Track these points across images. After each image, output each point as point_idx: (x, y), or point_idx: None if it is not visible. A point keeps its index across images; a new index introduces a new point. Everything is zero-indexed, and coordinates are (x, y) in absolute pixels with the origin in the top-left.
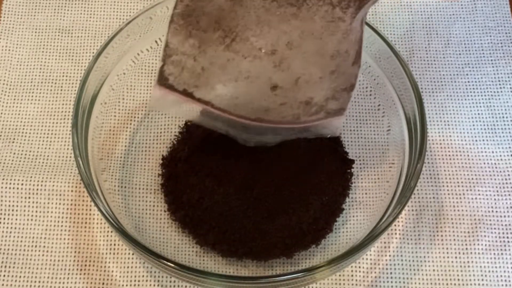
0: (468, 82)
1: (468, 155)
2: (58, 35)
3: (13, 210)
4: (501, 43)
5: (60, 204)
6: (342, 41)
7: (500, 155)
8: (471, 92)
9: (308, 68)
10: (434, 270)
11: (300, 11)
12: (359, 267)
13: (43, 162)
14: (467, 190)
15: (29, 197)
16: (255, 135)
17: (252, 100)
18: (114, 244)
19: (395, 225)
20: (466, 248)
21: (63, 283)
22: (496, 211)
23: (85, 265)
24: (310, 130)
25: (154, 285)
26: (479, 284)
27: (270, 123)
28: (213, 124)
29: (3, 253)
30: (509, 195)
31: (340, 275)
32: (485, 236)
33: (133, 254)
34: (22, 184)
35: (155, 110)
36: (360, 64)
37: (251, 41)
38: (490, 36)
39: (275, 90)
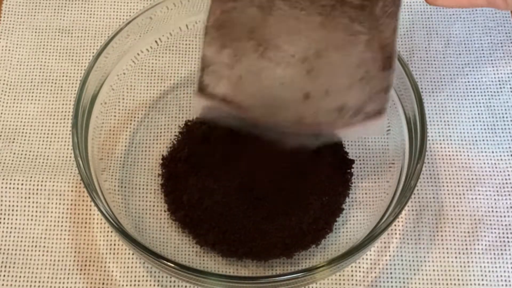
0: (468, 82)
1: (468, 155)
2: (58, 35)
3: (13, 210)
4: (501, 43)
5: (60, 204)
6: (365, 50)
7: (500, 155)
8: (471, 92)
9: (336, 77)
10: (434, 270)
11: (327, 21)
12: (359, 267)
13: (43, 162)
14: (467, 190)
15: (29, 197)
16: (294, 137)
17: (287, 108)
18: (114, 244)
19: (395, 225)
20: (466, 248)
21: (63, 283)
22: (496, 211)
23: (85, 265)
24: (350, 133)
25: (154, 285)
26: (479, 284)
27: (309, 127)
28: (237, 124)
29: (3, 253)
30: (509, 195)
31: (340, 275)
32: (485, 236)
33: (133, 254)
34: (22, 184)
35: (204, 117)
36: (395, 68)
37: (284, 48)
38: (490, 36)
39: (307, 98)
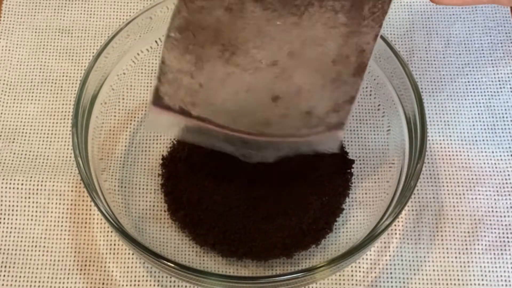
0: (468, 82)
1: (468, 155)
2: (58, 35)
3: (13, 210)
4: (501, 43)
5: (60, 204)
6: (343, 45)
7: (500, 155)
8: (471, 92)
9: (309, 76)
10: (434, 270)
11: (301, 20)
12: (359, 267)
13: (43, 162)
14: (467, 190)
15: (29, 197)
16: (255, 151)
17: (253, 113)
18: (114, 244)
19: (395, 225)
20: (466, 248)
21: (63, 283)
22: (496, 211)
23: (85, 265)
24: (309, 144)
25: (154, 285)
26: (479, 284)
27: (271, 137)
28: (210, 142)
29: (3, 253)
30: (509, 195)
31: (340, 275)
32: (485, 236)
33: (133, 254)
34: (22, 184)
35: (153, 131)
36: (363, 78)
37: (252, 53)
38: (490, 36)
39: (276, 101)
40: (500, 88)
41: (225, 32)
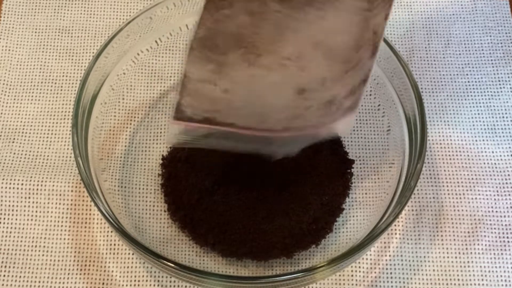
0: (468, 82)
1: (468, 155)
2: (58, 35)
3: (13, 210)
4: (501, 43)
5: (60, 204)
6: (363, 30)
7: (500, 155)
8: (471, 92)
9: (334, 64)
10: (434, 270)
11: (324, 12)
12: (359, 267)
13: (43, 162)
14: (467, 190)
15: (29, 197)
16: (279, 147)
17: (279, 110)
18: (114, 244)
19: (395, 225)
20: (466, 248)
21: (63, 283)
22: (496, 211)
23: (85, 265)
24: (328, 131)
25: (154, 285)
26: (479, 284)
27: (295, 131)
28: (234, 145)
29: (3, 253)
30: (509, 195)
31: (340, 275)
32: (485, 236)
33: (133, 254)
34: (22, 184)
35: (174, 145)
36: (376, 58)
37: (278, 51)
38: (490, 36)
39: (302, 94)
40: (500, 88)
41: (247, 36)
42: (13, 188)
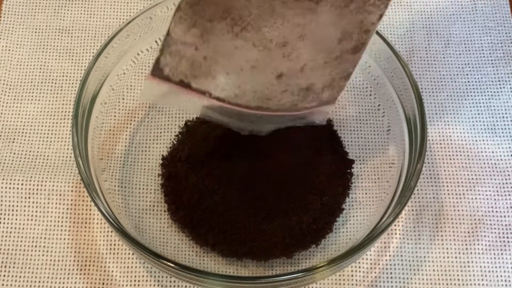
0: (468, 82)
1: (468, 155)
2: (58, 35)
3: (13, 210)
4: (501, 43)
5: (60, 204)
6: (349, 23)
7: (500, 155)
8: (471, 92)
9: (315, 54)
10: (434, 270)
11: (317, 6)
12: (359, 267)
13: (43, 162)
14: (467, 190)
15: (29, 197)
16: (249, 123)
17: (255, 89)
18: (114, 244)
19: (395, 225)
20: (466, 248)
21: (63, 283)
22: (496, 211)
23: (85, 265)
24: (302, 118)
25: (154, 285)
26: (479, 284)
27: (268, 111)
28: (207, 114)
29: (3, 253)
30: (509, 195)
31: (340, 275)
32: (485, 236)
33: (133, 254)
34: (22, 184)
35: (146, 102)
36: (361, 56)
37: (263, 31)
38: (490, 36)
39: (280, 79)
40: (500, 88)
41: (236, 8)
42: (13, 188)
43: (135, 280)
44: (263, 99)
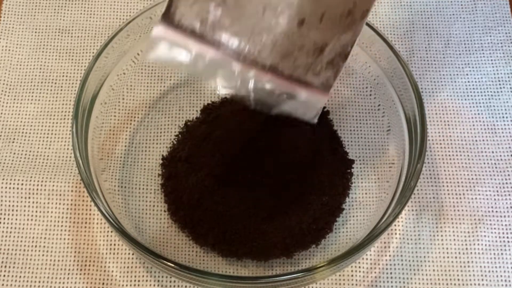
0: (468, 82)
1: (468, 155)
2: (58, 35)
3: (13, 210)
4: (501, 43)
5: (60, 204)
6: None
7: (500, 155)
8: (471, 92)
9: (331, 4)
10: (434, 270)
11: None
12: (359, 267)
13: (43, 162)
14: (467, 190)
15: (29, 197)
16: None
17: (275, 38)
18: (114, 244)
19: (395, 225)
20: (466, 248)
21: (63, 283)
22: (496, 211)
23: (85, 265)
24: (295, 106)
25: (154, 285)
26: (479, 284)
27: (280, 77)
28: (210, 74)
29: (3, 253)
30: (509, 195)
31: (340, 275)
32: (485, 236)
33: (133, 254)
34: (22, 184)
35: (150, 60)
36: (361, 30)
37: None
38: (490, 36)
39: (301, 26)
40: (500, 88)
41: None
42: (13, 188)
43: (135, 280)
44: (280, 54)
